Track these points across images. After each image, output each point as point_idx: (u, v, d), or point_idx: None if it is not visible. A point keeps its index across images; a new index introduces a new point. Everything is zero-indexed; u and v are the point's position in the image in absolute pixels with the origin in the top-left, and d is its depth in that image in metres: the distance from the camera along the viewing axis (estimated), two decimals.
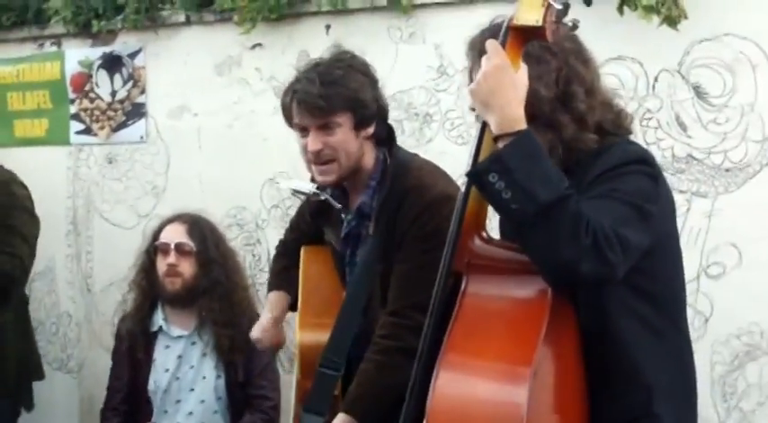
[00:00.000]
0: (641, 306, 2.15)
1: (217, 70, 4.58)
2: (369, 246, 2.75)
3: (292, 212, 4.29)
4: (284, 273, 3.11)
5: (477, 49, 2.19)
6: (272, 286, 3.13)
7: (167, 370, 3.65)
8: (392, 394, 2.63)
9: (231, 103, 4.55)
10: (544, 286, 2.01)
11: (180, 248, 3.65)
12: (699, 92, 3.49)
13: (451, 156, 3.67)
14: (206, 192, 4.61)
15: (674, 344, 2.21)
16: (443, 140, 3.97)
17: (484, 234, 2.13)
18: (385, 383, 2.64)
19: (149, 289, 3.68)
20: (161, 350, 3.68)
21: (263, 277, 4.34)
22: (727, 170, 3.45)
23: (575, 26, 2.20)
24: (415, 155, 2.95)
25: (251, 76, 4.49)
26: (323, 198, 2.83)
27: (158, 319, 3.69)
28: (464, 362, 2.00)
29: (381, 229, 2.72)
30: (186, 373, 3.64)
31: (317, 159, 2.69)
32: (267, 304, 3.09)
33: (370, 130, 2.74)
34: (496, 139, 2.03)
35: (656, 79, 3.54)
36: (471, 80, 2.18)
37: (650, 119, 3.53)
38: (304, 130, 2.72)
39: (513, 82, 2.02)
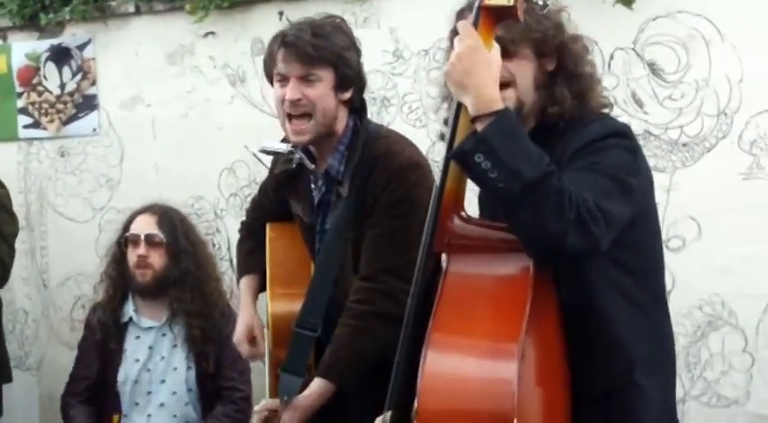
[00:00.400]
0: (622, 278, 2.20)
1: (169, 60, 4.55)
2: (340, 210, 2.79)
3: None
4: (251, 255, 3.13)
5: (457, 18, 2.22)
6: (243, 270, 3.14)
7: (138, 360, 3.65)
8: (367, 358, 2.70)
9: (185, 92, 4.52)
10: (526, 263, 2.05)
11: (150, 240, 3.65)
12: (654, 69, 3.55)
13: (410, 139, 3.69)
14: (162, 182, 4.57)
15: (654, 316, 2.27)
16: (401, 123, 3.98)
17: (463, 213, 2.16)
18: (360, 348, 2.71)
19: (120, 280, 3.67)
20: (131, 341, 3.67)
21: (224, 266, 4.35)
22: (684, 145, 3.52)
23: (545, 5, 2.23)
24: (381, 125, 3.02)
25: (204, 64, 4.47)
26: (297, 156, 2.84)
27: (129, 309, 3.68)
28: (451, 341, 2.03)
29: (352, 195, 2.76)
30: (157, 365, 3.63)
31: (294, 110, 2.72)
32: (242, 293, 3.10)
33: (348, 94, 2.78)
34: (474, 119, 2.05)
35: (611, 57, 3.59)
36: (452, 42, 2.21)
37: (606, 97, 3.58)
38: (284, 80, 2.73)
39: (486, 62, 2.05)
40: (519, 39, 2.19)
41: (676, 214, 3.49)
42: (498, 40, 2.13)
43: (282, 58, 2.71)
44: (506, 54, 2.15)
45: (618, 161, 2.13)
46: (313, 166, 2.85)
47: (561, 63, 2.26)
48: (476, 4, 2.12)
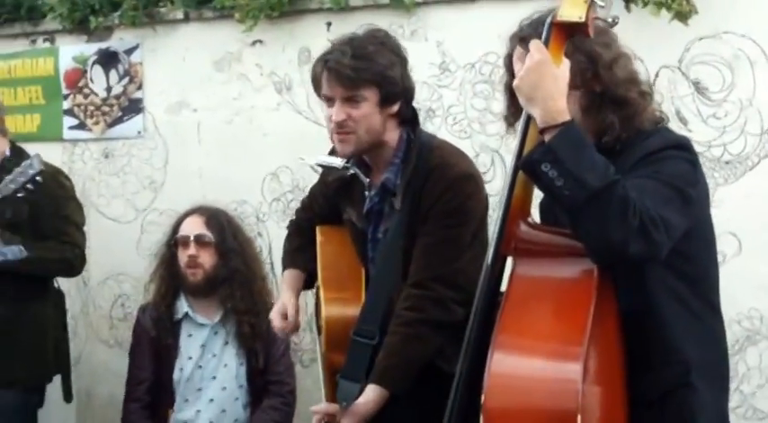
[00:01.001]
0: (680, 287, 2.26)
1: (216, 66, 4.64)
2: (396, 220, 2.84)
3: (294, 206, 4.37)
4: (298, 251, 3.20)
5: (516, 40, 2.30)
6: (288, 264, 3.20)
7: (190, 358, 3.72)
8: (418, 364, 2.77)
9: (231, 98, 4.61)
10: (590, 267, 2.12)
11: (199, 240, 3.72)
12: (699, 87, 3.63)
13: None
14: (206, 186, 4.66)
15: (710, 325, 2.33)
16: (446, 134, 4.02)
17: (530, 220, 2.24)
18: (411, 354, 2.77)
19: (171, 280, 3.74)
20: (184, 338, 3.74)
21: (266, 269, 4.42)
22: (726, 162, 3.59)
23: (614, 23, 2.31)
24: (435, 135, 3.07)
25: (251, 71, 4.56)
26: (352, 172, 2.91)
27: (183, 307, 3.75)
28: (517, 341, 2.10)
29: (407, 205, 2.82)
30: (209, 362, 3.71)
31: (339, 129, 2.78)
32: (284, 283, 3.17)
33: (395, 108, 2.82)
34: (542, 131, 2.14)
35: (656, 75, 3.66)
36: (507, 68, 2.33)
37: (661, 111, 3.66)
38: (330, 100, 2.80)
39: (554, 76, 2.13)
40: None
41: (718, 230, 3.43)
42: None
43: (326, 80, 2.78)
44: None
45: (678, 172, 2.20)
46: (368, 180, 2.92)
47: (604, 88, 2.29)
48: (548, 20, 2.20)
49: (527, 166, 2.14)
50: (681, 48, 3.64)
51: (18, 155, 3.84)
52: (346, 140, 2.80)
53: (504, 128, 3.67)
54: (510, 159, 3.86)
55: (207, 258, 3.68)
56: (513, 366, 2.08)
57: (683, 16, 3.45)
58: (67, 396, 3.96)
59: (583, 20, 2.16)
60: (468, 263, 2.78)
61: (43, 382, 3.91)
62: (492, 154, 4.04)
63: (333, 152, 3.00)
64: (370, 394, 2.74)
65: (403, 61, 2.85)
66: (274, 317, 3.07)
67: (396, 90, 2.80)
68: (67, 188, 3.76)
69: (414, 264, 2.83)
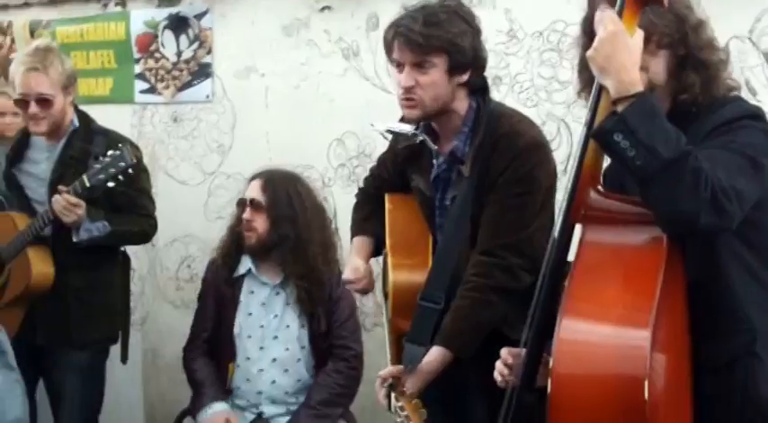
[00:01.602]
0: (748, 255, 2.28)
1: (284, 32, 4.69)
2: (463, 188, 2.87)
3: (359, 171, 4.46)
4: (368, 219, 3.26)
5: (600, 1, 2.31)
6: (357, 232, 3.27)
7: (250, 314, 3.77)
8: (484, 329, 2.81)
9: (299, 64, 4.66)
10: (659, 235, 2.14)
11: (254, 204, 3.76)
12: None
13: None
14: (273, 150, 4.73)
15: None
16: (513, 102, 4.03)
17: (600, 187, 2.25)
18: (479, 319, 2.81)
19: (237, 236, 3.80)
20: (246, 294, 3.79)
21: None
22: None
23: None
24: (503, 104, 3.09)
25: (319, 37, 4.60)
26: (421, 138, 2.95)
27: (246, 263, 3.80)
28: (586, 307, 2.12)
29: (475, 173, 2.85)
30: (270, 322, 3.75)
31: (407, 94, 2.82)
32: (353, 248, 3.23)
33: (464, 76, 2.85)
34: (615, 102, 2.15)
35: (726, 45, 3.63)
36: (585, 31, 2.35)
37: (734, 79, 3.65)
38: (400, 66, 2.84)
39: (627, 47, 2.14)
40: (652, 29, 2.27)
41: None
42: None
43: (397, 46, 2.81)
44: None
45: (751, 141, 2.21)
46: (436, 147, 2.95)
47: (689, 50, 2.33)
48: None
49: (599, 136, 2.16)
50: (752, 18, 3.61)
51: (85, 125, 3.89)
52: (413, 106, 2.83)
53: (572, 96, 3.72)
54: (577, 128, 3.90)
55: (260, 223, 3.72)
56: (581, 332, 2.11)
57: None
58: (124, 357, 4.06)
59: None
60: (535, 231, 2.82)
61: (112, 342, 4.02)
62: (558, 122, 4.04)
63: (403, 119, 3.04)
64: (435, 355, 2.79)
65: (475, 31, 2.87)
66: (348, 275, 3.13)
67: (465, 59, 2.82)
68: (140, 160, 3.84)
69: (482, 231, 2.86)
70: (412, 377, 2.78)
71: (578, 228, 2.26)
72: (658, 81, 2.32)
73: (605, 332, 2.09)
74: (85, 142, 3.80)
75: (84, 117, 3.91)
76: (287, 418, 3.75)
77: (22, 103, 3.74)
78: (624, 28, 2.15)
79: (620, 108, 2.12)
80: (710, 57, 2.36)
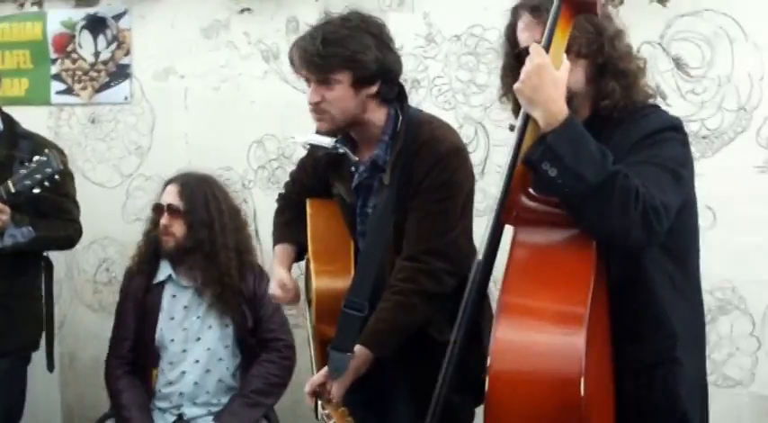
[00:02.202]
0: (667, 262, 2.37)
1: (204, 34, 4.68)
2: (384, 196, 2.91)
3: (279, 174, 4.49)
4: (288, 225, 3.27)
5: (524, 8, 2.40)
6: (279, 239, 3.27)
7: (173, 318, 3.77)
8: (405, 331, 2.85)
9: (218, 66, 4.66)
10: (588, 237, 2.20)
11: (171, 209, 3.76)
12: (678, 64, 3.72)
13: None
14: (192, 152, 4.71)
15: (693, 300, 2.45)
16: (430, 106, 4.10)
17: (530, 191, 2.29)
18: (400, 321, 2.85)
19: (155, 241, 3.79)
20: (167, 299, 3.79)
21: (251, 237, 4.47)
22: (703, 137, 3.68)
23: (621, 1, 2.41)
24: (421, 110, 3.13)
25: (239, 39, 4.60)
26: (341, 151, 2.98)
27: (166, 269, 3.80)
28: (521, 305, 2.16)
29: (396, 181, 2.88)
30: (193, 323, 3.76)
31: (314, 109, 2.87)
32: (276, 258, 3.24)
33: (373, 88, 2.87)
34: (544, 135, 2.20)
35: (638, 51, 3.71)
36: (508, 38, 2.45)
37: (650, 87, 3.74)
38: (308, 80, 2.88)
39: (554, 79, 2.21)
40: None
41: None
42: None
43: (298, 65, 2.86)
44: None
45: (674, 154, 2.30)
46: (356, 159, 2.98)
47: (608, 59, 2.40)
48: (556, 2, 2.25)
49: (527, 164, 2.22)
50: (663, 24, 3.72)
51: (10, 126, 3.84)
52: (322, 120, 2.89)
53: (489, 99, 3.79)
54: (494, 130, 3.98)
55: (178, 228, 3.74)
56: (517, 331, 2.14)
57: None
58: (50, 366, 4.02)
59: None
60: (458, 235, 2.88)
61: (34, 349, 3.97)
62: (475, 125, 4.11)
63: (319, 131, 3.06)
64: (357, 354, 2.81)
65: (381, 43, 2.87)
66: (275, 290, 3.14)
67: (369, 73, 2.84)
68: (65, 165, 3.80)
69: (406, 238, 2.89)
70: (337, 383, 2.80)
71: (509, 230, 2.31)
72: (578, 88, 2.38)
73: (541, 331, 2.13)
74: (10, 146, 3.75)
75: (8, 120, 3.86)
76: (208, 418, 3.75)
77: None
78: (549, 61, 2.21)
79: (548, 138, 2.18)
80: (628, 65, 2.43)
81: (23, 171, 3.51)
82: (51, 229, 3.77)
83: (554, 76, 2.20)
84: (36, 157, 3.51)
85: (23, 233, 3.63)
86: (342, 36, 2.81)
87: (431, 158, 2.85)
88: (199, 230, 3.74)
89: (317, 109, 2.86)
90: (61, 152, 3.80)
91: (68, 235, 3.88)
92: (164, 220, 3.75)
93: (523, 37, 2.39)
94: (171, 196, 3.78)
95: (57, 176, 3.54)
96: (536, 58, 2.20)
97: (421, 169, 2.86)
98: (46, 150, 3.56)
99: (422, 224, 2.86)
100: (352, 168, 3.01)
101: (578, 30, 2.33)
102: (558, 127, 2.17)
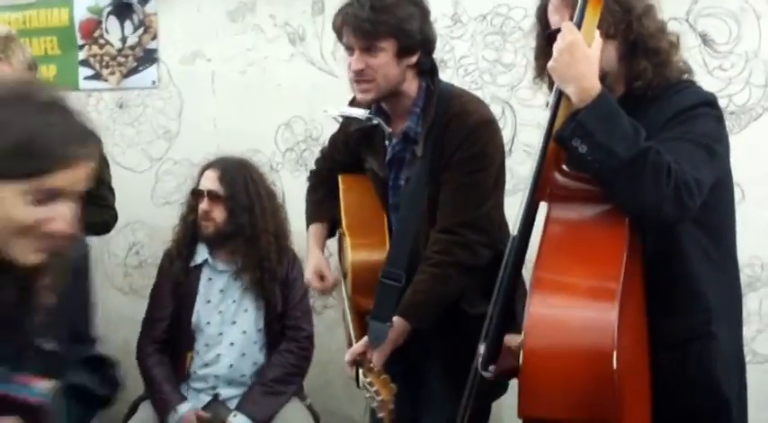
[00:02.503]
0: (702, 237, 2.38)
1: (230, 17, 4.71)
2: (417, 168, 2.94)
3: (307, 156, 4.51)
4: (321, 204, 3.33)
5: None
6: (312, 218, 3.33)
7: (209, 302, 3.81)
8: (442, 302, 2.90)
9: (245, 49, 4.68)
10: (622, 212, 2.22)
11: (211, 195, 3.79)
12: (705, 39, 3.71)
13: None
14: (220, 135, 4.75)
15: (729, 273, 2.46)
16: (457, 85, 4.09)
17: (564, 167, 2.32)
18: (437, 293, 2.90)
19: (192, 227, 3.82)
20: (204, 282, 3.83)
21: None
22: (731, 113, 3.67)
23: None
24: (453, 84, 3.16)
25: (265, 22, 4.63)
26: (375, 122, 3.01)
27: (203, 253, 3.84)
28: (555, 280, 2.18)
29: (429, 153, 2.92)
30: (229, 307, 3.80)
31: (358, 77, 2.89)
32: (310, 239, 3.29)
33: (413, 58, 2.92)
34: (576, 112, 2.21)
35: None
36: (540, 19, 2.49)
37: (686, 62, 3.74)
38: (350, 49, 2.91)
39: (586, 56, 2.22)
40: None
41: None
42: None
43: (345, 32, 2.88)
44: None
45: (707, 130, 2.31)
46: (390, 130, 3.01)
47: (637, 37, 2.41)
48: None
49: (559, 142, 2.24)
50: (689, 0, 3.71)
51: None
52: (366, 88, 2.91)
53: (515, 79, 3.81)
54: (521, 109, 3.99)
55: (218, 213, 3.76)
56: (551, 306, 2.16)
57: None
58: None
59: None
60: (491, 207, 2.92)
61: None
62: (502, 104, 4.12)
63: (353, 103, 3.10)
64: (395, 325, 2.86)
65: (423, 12, 2.92)
66: (311, 278, 3.20)
67: (413, 42, 2.89)
68: (102, 150, 3.81)
69: (440, 210, 2.93)
70: (377, 352, 2.84)
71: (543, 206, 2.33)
72: (610, 67, 2.40)
73: (574, 306, 2.15)
74: None
75: None
76: None
77: None
78: (582, 38, 2.23)
79: (579, 115, 2.20)
80: (659, 43, 2.43)
81: None
82: (90, 216, 3.80)
83: (586, 53, 2.22)
84: None
85: None
86: (389, 4, 2.84)
87: (462, 131, 2.89)
88: (240, 215, 3.77)
89: (361, 77, 2.88)
90: (98, 139, 3.81)
91: (104, 220, 3.91)
92: (204, 205, 3.78)
93: (554, 19, 2.42)
94: (210, 182, 3.81)
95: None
96: (568, 35, 2.22)
97: (452, 142, 2.89)
98: None
99: (455, 196, 2.90)
100: (386, 142, 3.04)
101: (606, 9, 2.34)
102: (589, 103, 2.19)
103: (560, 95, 2.27)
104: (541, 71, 2.50)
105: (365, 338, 2.88)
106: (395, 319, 2.86)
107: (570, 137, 2.19)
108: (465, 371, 2.45)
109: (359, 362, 2.87)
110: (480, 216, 2.89)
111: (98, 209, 3.85)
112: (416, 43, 2.90)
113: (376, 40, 2.84)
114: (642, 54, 2.39)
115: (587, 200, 2.27)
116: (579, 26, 2.24)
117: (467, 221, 2.88)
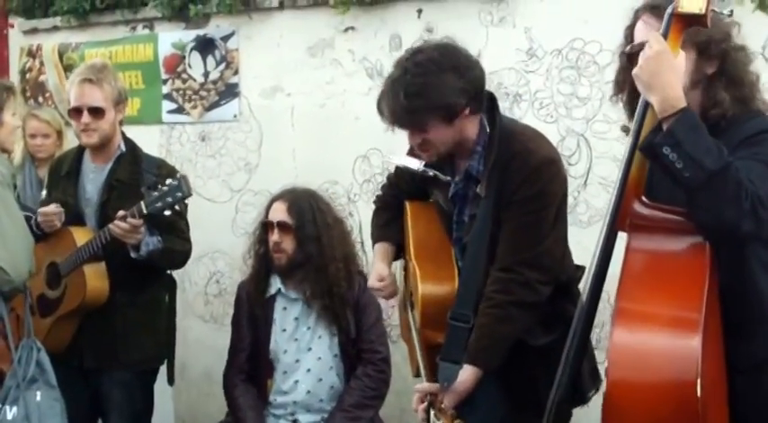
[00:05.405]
0: (765, 255, 2.38)
1: (309, 52, 4.83)
2: (483, 208, 2.96)
3: None
4: (387, 226, 3.37)
5: (645, 10, 2.45)
6: (378, 238, 3.38)
7: (284, 330, 3.89)
8: (508, 343, 2.91)
9: (324, 83, 4.79)
10: (702, 242, 2.25)
11: (281, 226, 3.87)
12: None
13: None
14: (299, 167, 4.86)
15: None
16: (532, 119, 4.18)
17: (643, 198, 2.34)
18: (501, 334, 2.91)
19: (264, 258, 3.91)
20: (279, 311, 3.91)
21: (356, 247, 4.57)
22: None
23: (731, 15, 2.44)
24: (515, 120, 3.18)
25: (343, 57, 4.74)
26: (431, 174, 3.05)
27: (276, 283, 3.92)
28: (637, 310, 2.21)
29: (492, 193, 2.93)
30: (304, 334, 3.87)
31: (419, 147, 2.94)
32: (376, 254, 3.34)
33: (465, 112, 2.90)
34: (661, 118, 2.25)
35: None
36: (627, 39, 2.50)
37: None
38: None
39: (672, 66, 2.26)
40: (685, 38, 2.38)
41: None
42: None
43: (389, 121, 2.92)
44: None
45: None
46: (449, 179, 3.03)
47: (722, 68, 2.44)
48: (668, 11, 2.31)
49: (648, 149, 2.27)
50: (765, 35, 3.71)
51: (132, 150, 3.98)
52: (428, 155, 2.97)
53: (590, 112, 3.83)
54: (596, 143, 4.01)
55: (288, 244, 3.84)
56: (634, 337, 2.18)
57: (764, 6, 3.53)
58: (170, 380, 4.14)
59: (702, 12, 2.28)
60: (552, 244, 2.93)
61: (158, 363, 4.08)
62: (577, 137, 4.15)
63: (412, 151, 3.13)
64: (467, 374, 2.88)
65: (459, 69, 2.87)
66: (373, 282, 3.25)
67: (458, 107, 2.87)
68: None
69: (500, 248, 2.94)
70: (449, 394, 2.87)
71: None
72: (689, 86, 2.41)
73: (658, 336, 2.17)
74: (133, 167, 3.90)
75: (130, 143, 4.00)
76: None
77: (75, 113, 3.83)
78: (668, 48, 2.27)
79: (665, 123, 2.24)
80: (747, 77, 2.47)
81: (155, 193, 3.63)
82: (173, 243, 3.91)
83: (672, 63, 2.26)
84: (168, 181, 3.63)
85: (154, 242, 3.77)
86: (422, 87, 2.82)
87: (523, 171, 2.90)
88: (308, 244, 3.84)
89: (420, 148, 2.94)
90: (185, 177, 3.91)
91: (185, 250, 4.00)
92: (274, 237, 3.86)
93: (640, 36, 2.45)
94: (280, 213, 3.89)
95: (186, 201, 3.65)
96: (655, 44, 2.26)
97: (513, 181, 2.91)
98: (178, 175, 3.69)
99: (515, 235, 2.92)
100: (448, 178, 3.09)
101: (708, 31, 2.37)
102: (677, 112, 2.22)
103: (646, 106, 2.30)
104: (620, 90, 2.54)
105: (436, 382, 2.91)
106: (465, 367, 2.88)
107: (661, 144, 2.22)
108: (524, 401, 2.46)
109: (431, 402, 2.89)
110: (539, 253, 2.90)
111: (180, 240, 3.95)
112: (461, 105, 2.88)
113: (420, 124, 2.87)
114: (727, 82, 2.42)
115: (668, 230, 2.29)
116: (665, 37, 2.28)
117: (526, 260, 2.89)
